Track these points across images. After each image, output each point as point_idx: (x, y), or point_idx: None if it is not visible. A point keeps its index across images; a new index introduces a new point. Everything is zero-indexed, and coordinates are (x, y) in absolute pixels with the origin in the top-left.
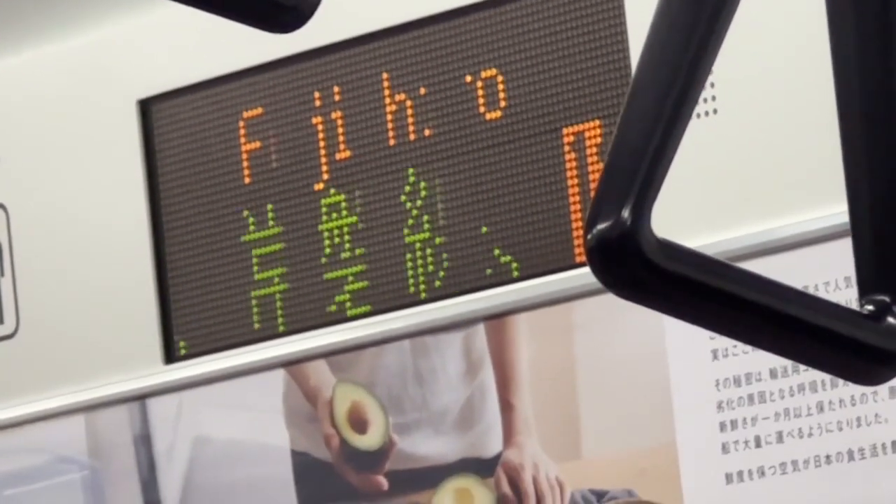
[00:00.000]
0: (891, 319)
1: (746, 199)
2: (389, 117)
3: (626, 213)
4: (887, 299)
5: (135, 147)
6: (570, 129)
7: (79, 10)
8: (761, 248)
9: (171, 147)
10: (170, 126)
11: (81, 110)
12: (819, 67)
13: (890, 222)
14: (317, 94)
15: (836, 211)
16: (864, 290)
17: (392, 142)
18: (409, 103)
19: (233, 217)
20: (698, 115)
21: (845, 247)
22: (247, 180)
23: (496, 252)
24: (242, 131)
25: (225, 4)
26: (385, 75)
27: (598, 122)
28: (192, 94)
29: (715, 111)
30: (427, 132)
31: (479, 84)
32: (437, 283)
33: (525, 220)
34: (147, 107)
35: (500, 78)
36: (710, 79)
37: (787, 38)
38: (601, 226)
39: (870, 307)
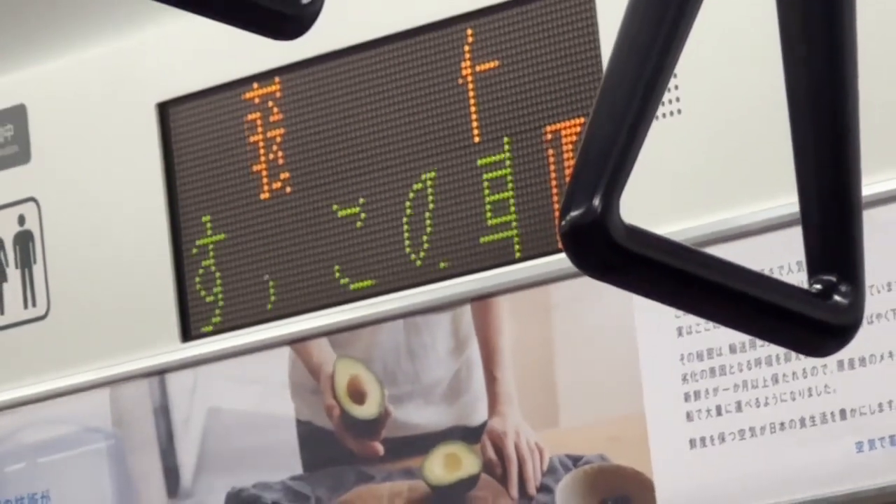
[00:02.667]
0: (837, 297)
1: (709, 190)
2: (389, 120)
3: (596, 202)
4: (833, 279)
5: (154, 146)
6: (550, 128)
7: (104, 21)
8: (722, 234)
9: (187, 146)
10: (186, 126)
11: (106, 112)
12: (774, 70)
13: (835, 210)
14: (330, 92)
15: (790, 201)
16: (813, 270)
17: (396, 143)
18: (405, 105)
19: (244, 209)
20: (665, 115)
21: (798, 234)
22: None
23: (482, 240)
24: (249, 129)
25: (232, 14)
26: (383, 79)
27: (576, 121)
28: (206, 98)
29: (679, 111)
30: (423, 128)
31: (472, 79)
32: (437, 266)
33: (508, 209)
34: (165, 109)
35: (484, 81)
36: (675, 81)
37: (745, 44)
38: (574, 213)
39: (818, 286)
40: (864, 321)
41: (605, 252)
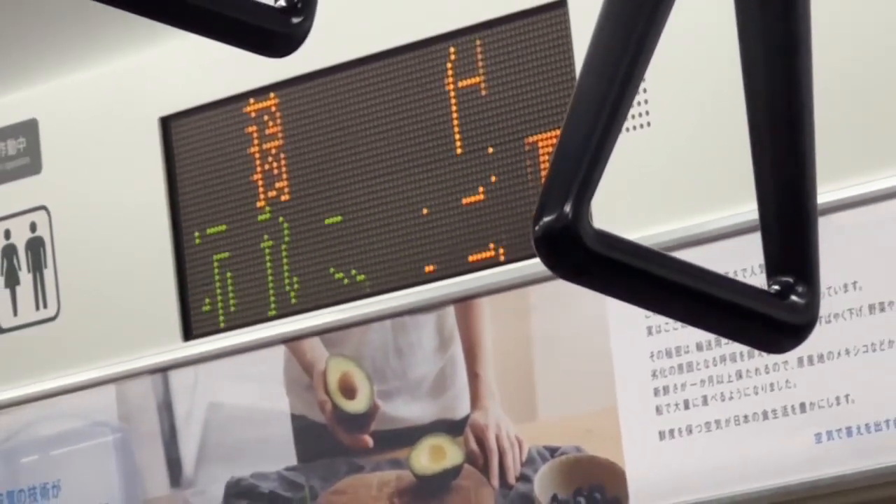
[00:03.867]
0: (794, 297)
1: (675, 197)
2: (377, 131)
3: (567, 208)
4: (791, 280)
5: (157, 157)
6: (530, 139)
7: (110, 41)
8: (688, 239)
9: (188, 157)
10: (187, 139)
11: (112, 126)
12: (737, 87)
13: (792, 216)
14: (324, 107)
15: (750, 209)
16: (771, 272)
17: (384, 152)
18: (394, 118)
19: (241, 217)
20: (635, 128)
21: (758, 239)
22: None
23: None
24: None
25: (227, 33)
26: (371, 93)
27: (554, 132)
28: (206, 112)
29: (649, 123)
30: (410, 141)
31: (456, 94)
32: (425, 270)
33: (488, 218)
34: (167, 123)
35: (466, 96)
36: (644, 96)
37: (711, 61)
38: (546, 219)
39: (776, 287)
40: (823, 320)
41: (575, 256)
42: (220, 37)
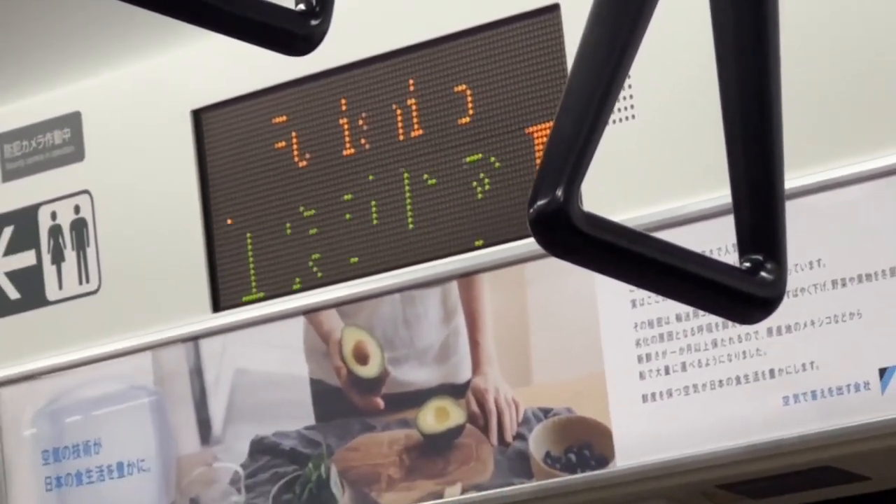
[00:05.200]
0: (763, 274)
1: (658, 183)
2: (390, 123)
3: (559, 192)
4: (760, 258)
5: (189, 147)
6: (531, 129)
7: (146, 39)
8: (669, 221)
9: (217, 147)
10: (217, 130)
11: (148, 118)
12: (715, 83)
13: (761, 200)
14: (342, 102)
15: (725, 194)
16: (743, 250)
17: (399, 138)
18: (399, 111)
19: (266, 202)
20: (621, 120)
21: (732, 221)
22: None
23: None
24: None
25: (252, 33)
26: (385, 90)
27: (546, 124)
28: (236, 105)
29: (634, 116)
30: (419, 132)
31: (458, 92)
32: (422, 250)
33: (490, 201)
34: (199, 115)
35: (469, 92)
36: (630, 91)
37: (693, 58)
38: (539, 202)
39: (747, 264)
40: (790, 294)
41: (566, 236)
42: (246, 37)
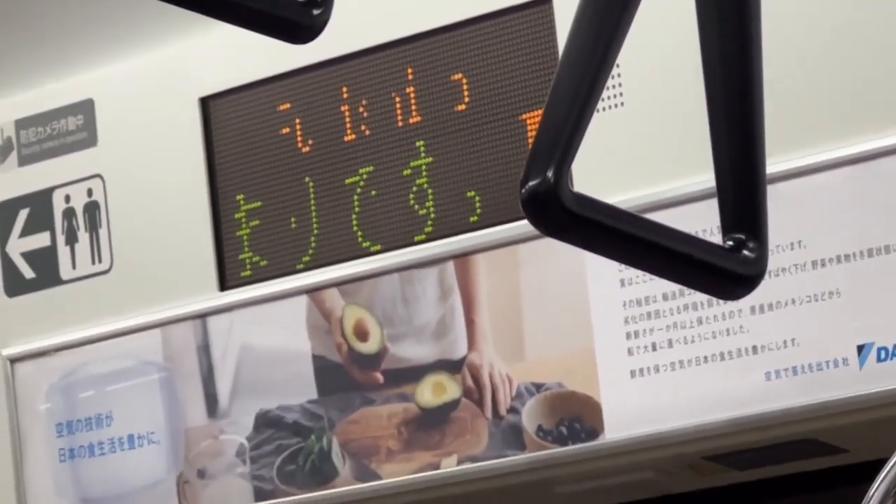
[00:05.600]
0: (745, 252)
1: (646, 168)
2: (386, 109)
3: (549, 174)
4: (743, 237)
5: (197, 134)
6: (524, 116)
7: (156, 29)
8: (657, 203)
9: (225, 134)
10: (224, 117)
11: (158, 105)
12: (700, 70)
13: (743, 182)
14: (343, 90)
15: (711, 178)
16: (726, 230)
17: (398, 124)
18: (398, 99)
19: (271, 186)
20: (610, 107)
21: (716, 203)
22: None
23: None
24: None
25: (255, 22)
26: (386, 76)
27: (540, 111)
28: (242, 93)
29: (623, 103)
30: (417, 119)
31: (455, 80)
32: (424, 231)
33: (485, 184)
34: (207, 103)
35: (465, 80)
36: (619, 80)
37: (680, 47)
38: (531, 183)
39: (730, 243)
40: (772, 274)
41: (557, 215)
42: (250, 26)
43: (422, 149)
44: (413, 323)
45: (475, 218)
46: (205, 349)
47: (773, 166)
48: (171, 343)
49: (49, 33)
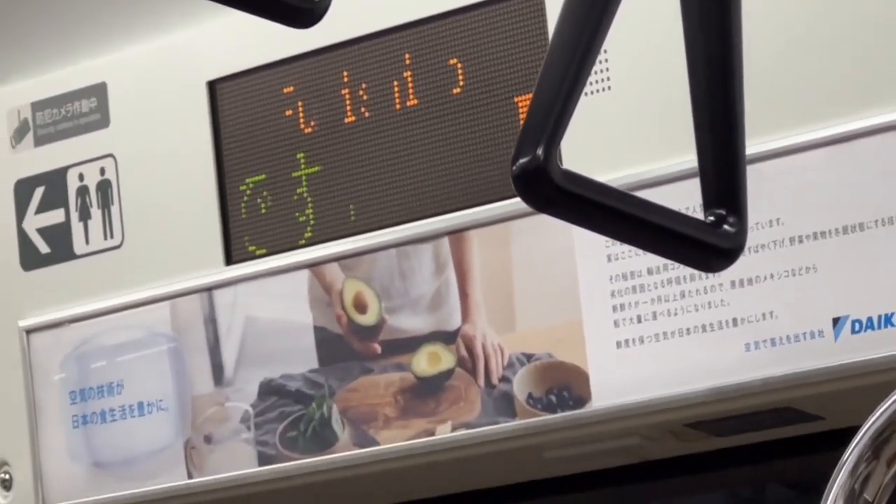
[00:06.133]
0: (726, 227)
1: (633, 149)
2: (385, 92)
3: (539, 151)
4: (723, 212)
5: (204, 115)
6: (517, 99)
7: (165, 16)
8: (643, 182)
9: (231, 116)
10: (231, 100)
11: (167, 88)
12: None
13: (724, 161)
14: (344, 74)
15: (693, 158)
16: (707, 205)
17: (396, 107)
18: (396, 83)
19: (275, 165)
20: (598, 91)
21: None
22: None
23: (457, 187)
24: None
25: (258, 7)
26: (385, 61)
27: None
28: (248, 76)
29: (610, 87)
30: (414, 102)
31: (451, 65)
32: (416, 209)
33: (478, 164)
34: (214, 86)
35: (460, 65)
36: (606, 64)
37: (667, 32)
38: (521, 161)
39: (711, 218)
40: (751, 250)
41: (546, 190)
42: (254, 10)
43: (419, 130)
44: (410, 296)
45: (469, 195)
46: (211, 321)
47: (753, 147)
48: (180, 315)
49: (64, 20)
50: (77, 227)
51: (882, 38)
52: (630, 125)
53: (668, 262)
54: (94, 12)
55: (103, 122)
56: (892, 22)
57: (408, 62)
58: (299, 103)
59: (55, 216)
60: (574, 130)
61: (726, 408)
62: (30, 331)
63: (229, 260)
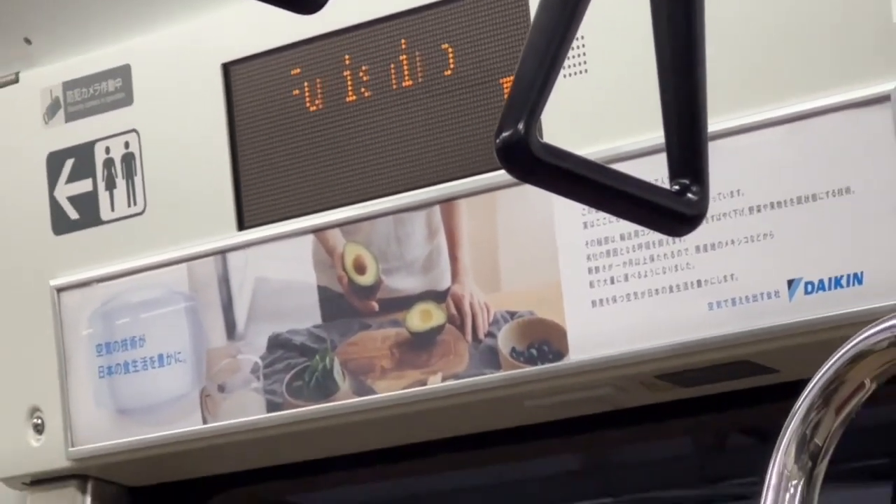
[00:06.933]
0: (689, 195)
1: (606, 126)
2: (383, 74)
3: (520, 126)
4: (687, 182)
5: (219, 95)
6: (503, 80)
7: (184, 3)
8: (618, 157)
9: (244, 95)
10: (244, 80)
11: (185, 69)
12: None
13: (688, 136)
14: (346, 57)
15: (661, 135)
16: (673, 175)
17: (393, 87)
18: (392, 66)
19: (285, 140)
20: (575, 74)
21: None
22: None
23: (449, 161)
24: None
25: None
26: (384, 45)
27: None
28: (259, 59)
29: (586, 70)
30: (409, 83)
31: (443, 49)
32: (409, 179)
33: (468, 139)
34: (228, 68)
35: (451, 49)
36: (583, 49)
37: (641, 16)
38: (504, 134)
39: (676, 187)
40: (713, 218)
41: (526, 161)
42: None
43: (414, 108)
44: (404, 259)
45: (458, 167)
46: (225, 281)
47: (715, 125)
48: (196, 276)
49: (91, 9)
50: (103, 196)
51: (835, 25)
52: (604, 104)
53: (639, 228)
54: (119, 2)
55: (127, 100)
56: (844, 10)
57: (404, 47)
58: (305, 84)
59: (83, 185)
60: (554, 109)
61: (691, 361)
62: (60, 289)
63: (241, 226)
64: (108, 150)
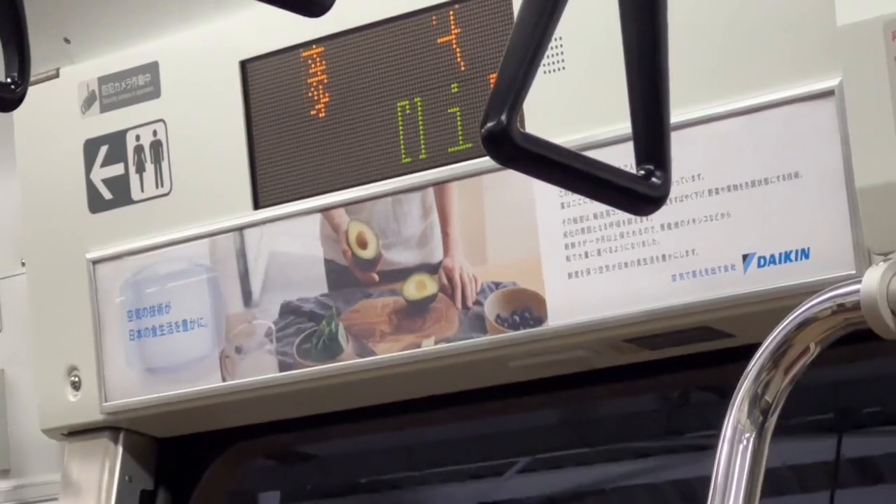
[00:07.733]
0: (653, 179)
1: (582, 118)
2: (387, 68)
3: (503, 116)
4: (652, 167)
5: (237, 90)
6: (491, 76)
7: (206, 6)
8: (591, 145)
9: (260, 90)
10: (259, 75)
11: (206, 66)
12: None
13: (652, 125)
14: (351, 55)
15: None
16: (639, 161)
17: (392, 81)
18: (394, 64)
19: (297, 132)
20: (553, 71)
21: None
22: (313, 113)
23: (449, 150)
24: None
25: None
26: (389, 43)
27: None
28: (273, 57)
29: (564, 68)
30: (410, 78)
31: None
32: (408, 161)
33: (455, 129)
34: (245, 65)
35: (455, 44)
36: (561, 48)
37: (616, 19)
38: (489, 124)
39: (642, 172)
40: (676, 200)
41: (508, 149)
42: (273, 3)
43: (416, 100)
44: (402, 235)
45: (449, 154)
46: (242, 255)
47: (679, 116)
48: (216, 250)
49: (124, 11)
50: (134, 178)
51: (787, 27)
52: (580, 98)
53: (610, 208)
54: (149, 5)
55: (155, 93)
56: (795, 13)
57: (406, 44)
58: (315, 78)
59: (116, 169)
60: (535, 103)
61: (656, 327)
62: (95, 262)
63: (257, 205)
64: (138, 138)
